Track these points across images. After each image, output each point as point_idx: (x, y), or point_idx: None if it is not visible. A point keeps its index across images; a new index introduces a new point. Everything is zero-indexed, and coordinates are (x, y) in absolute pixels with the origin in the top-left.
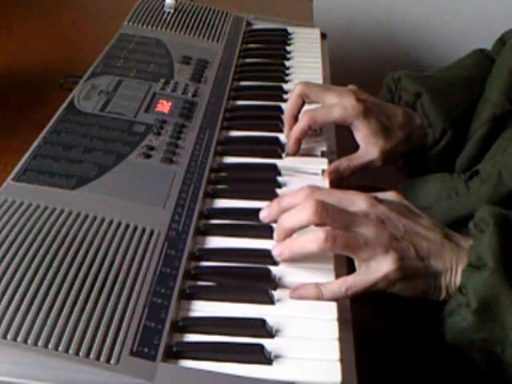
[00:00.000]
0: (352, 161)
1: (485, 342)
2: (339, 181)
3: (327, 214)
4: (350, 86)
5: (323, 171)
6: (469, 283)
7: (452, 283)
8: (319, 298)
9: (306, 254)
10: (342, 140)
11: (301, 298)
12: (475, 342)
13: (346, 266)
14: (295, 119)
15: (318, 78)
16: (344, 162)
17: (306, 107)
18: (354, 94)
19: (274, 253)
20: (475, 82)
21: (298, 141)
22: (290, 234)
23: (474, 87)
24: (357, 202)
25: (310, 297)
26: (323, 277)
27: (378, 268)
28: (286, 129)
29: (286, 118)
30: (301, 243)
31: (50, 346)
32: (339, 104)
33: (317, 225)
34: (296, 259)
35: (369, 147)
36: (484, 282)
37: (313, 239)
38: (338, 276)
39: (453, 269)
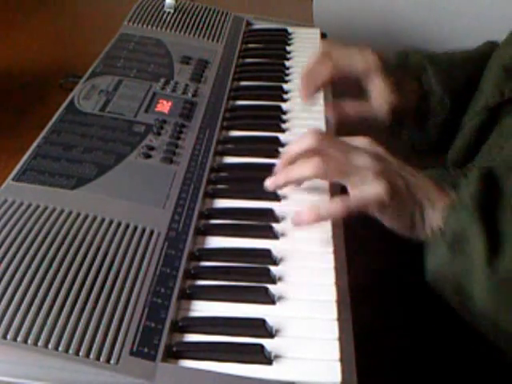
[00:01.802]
0: (360, 105)
1: (456, 275)
2: (340, 119)
3: (325, 140)
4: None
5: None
6: (447, 220)
7: (434, 222)
8: (317, 218)
9: (301, 179)
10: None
11: (302, 223)
12: (448, 275)
13: (346, 266)
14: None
15: None
16: (351, 103)
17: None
18: (374, 51)
19: (268, 183)
20: (475, 61)
21: (318, 88)
22: (291, 161)
23: (473, 65)
24: (357, 140)
25: (310, 218)
26: (323, 276)
27: (370, 189)
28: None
29: (305, 80)
30: (296, 168)
31: (49, 346)
32: (362, 56)
33: (317, 151)
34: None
35: (380, 101)
36: (459, 218)
37: (308, 163)
38: (338, 276)
39: (436, 206)
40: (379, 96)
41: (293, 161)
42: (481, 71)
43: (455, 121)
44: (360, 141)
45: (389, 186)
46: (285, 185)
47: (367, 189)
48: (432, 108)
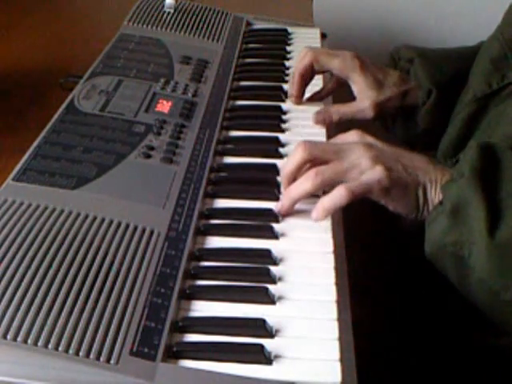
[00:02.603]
0: (343, 107)
1: (455, 245)
2: (327, 123)
3: (316, 148)
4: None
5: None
6: (446, 192)
7: (436, 199)
8: (325, 213)
9: (304, 195)
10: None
11: (320, 218)
12: (447, 245)
13: (346, 266)
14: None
15: (317, 77)
16: (335, 106)
17: None
18: (355, 53)
19: (276, 209)
20: (465, 57)
21: (302, 77)
22: (291, 179)
23: (463, 60)
24: (347, 136)
25: (320, 217)
26: (323, 276)
27: (369, 177)
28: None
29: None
30: (296, 187)
31: (49, 346)
32: (341, 55)
33: (310, 161)
34: (297, 202)
35: (362, 98)
36: (458, 188)
37: (304, 179)
38: (338, 276)
39: (437, 184)
40: (360, 93)
41: (292, 179)
42: (470, 66)
43: (443, 112)
44: (349, 136)
45: (387, 169)
46: (292, 206)
47: (366, 177)
48: (419, 100)
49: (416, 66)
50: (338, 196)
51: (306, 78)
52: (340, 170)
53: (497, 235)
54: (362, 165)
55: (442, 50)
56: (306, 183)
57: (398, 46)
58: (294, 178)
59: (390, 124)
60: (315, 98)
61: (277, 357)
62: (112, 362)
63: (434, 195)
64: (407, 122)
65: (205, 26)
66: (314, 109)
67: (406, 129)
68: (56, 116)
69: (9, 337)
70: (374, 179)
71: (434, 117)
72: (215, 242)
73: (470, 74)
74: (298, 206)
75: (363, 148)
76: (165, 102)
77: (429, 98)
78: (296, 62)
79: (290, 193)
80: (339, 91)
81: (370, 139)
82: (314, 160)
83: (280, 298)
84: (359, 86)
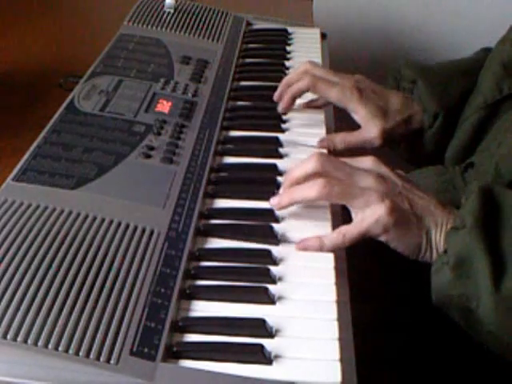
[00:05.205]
0: (350, 135)
1: (461, 298)
2: (331, 151)
3: (330, 163)
4: (356, 76)
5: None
6: (450, 242)
7: (440, 244)
8: (322, 248)
9: (305, 200)
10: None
11: (305, 248)
12: (453, 298)
13: (346, 263)
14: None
15: None
16: (340, 135)
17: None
18: (355, 81)
19: (272, 202)
20: (470, 73)
21: (294, 99)
22: (294, 184)
23: (468, 77)
24: (361, 161)
25: (313, 247)
26: (323, 276)
27: (371, 213)
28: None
29: (284, 89)
30: (300, 190)
31: (49, 345)
32: (340, 84)
33: (320, 174)
34: (294, 204)
35: (368, 126)
36: (462, 240)
37: (312, 185)
38: (337, 275)
39: (442, 229)
40: (365, 122)
41: (297, 183)
42: (475, 82)
43: (450, 133)
44: (364, 161)
45: (392, 207)
46: (289, 205)
47: (369, 213)
48: (425, 123)
49: (420, 89)
50: (337, 241)
51: (298, 97)
52: (348, 193)
53: (502, 288)
54: (370, 196)
55: (445, 67)
56: (312, 190)
57: (398, 65)
58: (297, 184)
59: (394, 146)
60: (310, 105)
61: (277, 357)
62: (112, 361)
63: (439, 239)
64: (412, 145)
65: (205, 26)
66: (314, 109)
67: (411, 151)
68: (56, 116)
69: (9, 337)
70: (375, 217)
71: (441, 138)
72: (215, 242)
73: (479, 77)
74: (298, 207)
75: (374, 179)
76: (165, 102)
77: (435, 121)
78: (292, 79)
79: (293, 193)
80: (343, 114)
81: (383, 169)
82: (324, 173)
83: (280, 298)
84: (361, 115)
